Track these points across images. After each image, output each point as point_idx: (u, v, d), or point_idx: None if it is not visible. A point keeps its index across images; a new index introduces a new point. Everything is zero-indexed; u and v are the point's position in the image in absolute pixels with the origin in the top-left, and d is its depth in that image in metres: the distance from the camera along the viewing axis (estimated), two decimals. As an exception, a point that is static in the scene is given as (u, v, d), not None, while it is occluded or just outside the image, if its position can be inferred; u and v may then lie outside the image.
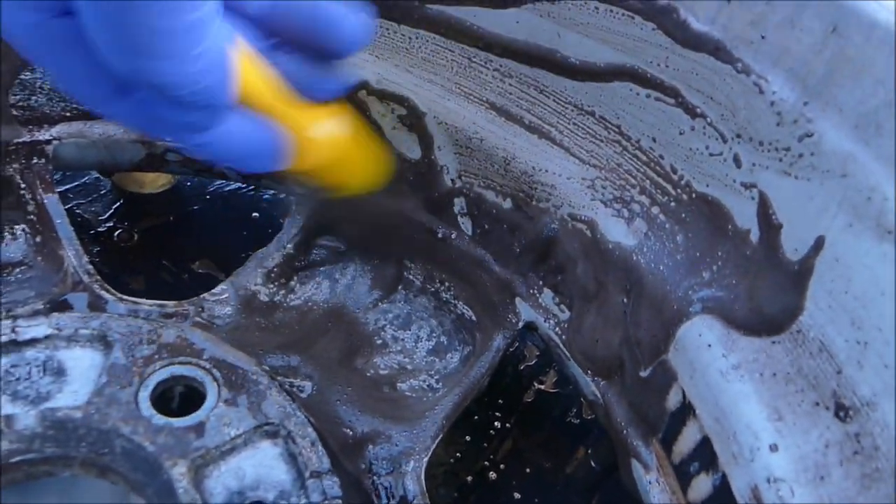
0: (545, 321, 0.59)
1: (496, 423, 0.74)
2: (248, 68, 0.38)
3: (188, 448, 0.44)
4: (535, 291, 0.60)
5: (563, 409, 0.76)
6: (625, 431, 0.53)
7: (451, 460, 0.70)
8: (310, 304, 0.66)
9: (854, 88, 0.38)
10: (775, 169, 0.42)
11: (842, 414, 0.37)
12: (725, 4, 0.43)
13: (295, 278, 0.66)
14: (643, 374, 0.49)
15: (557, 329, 0.59)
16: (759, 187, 0.43)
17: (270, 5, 0.39)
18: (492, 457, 0.71)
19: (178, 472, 0.43)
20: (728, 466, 0.42)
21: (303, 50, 0.42)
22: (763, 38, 0.42)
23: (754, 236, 0.44)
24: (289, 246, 0.66)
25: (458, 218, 0.63)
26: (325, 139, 0.46)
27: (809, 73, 0.40)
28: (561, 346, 0.58)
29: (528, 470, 0.70)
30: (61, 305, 0.57)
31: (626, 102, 0.51)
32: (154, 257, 0.80)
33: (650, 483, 0.49)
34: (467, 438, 0.72)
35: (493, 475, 0.70)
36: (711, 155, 0.47)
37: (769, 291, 0.42)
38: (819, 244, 0.39)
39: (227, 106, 0.37)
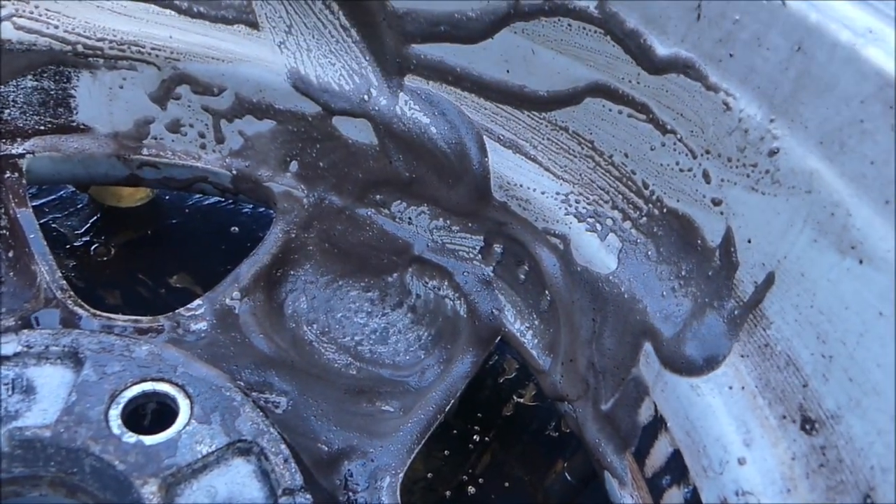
0: (520, 336, 0.59)
1: (475, 437, 0.74)
2: None
3: (159, 466, 0.44)
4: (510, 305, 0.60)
5: (541, 422, 0.76)
6: (600, 446, 0.53)
7: (430, 475, 0.70)
8: (286, 316, 0.65)
9: (819, 106, 0.39)
10: (743, 185, 0.43)
11: (808, 427, 0.38)
12: (694, 23, 0.44)
13: (272, 293, 0.66)
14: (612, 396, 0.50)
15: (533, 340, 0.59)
16: (727, 203, 0.44)
17: None
18: (471, 471, 0.71)
19: (149, 491, 0.42)
20: (698, 479, 0.43)
21: None
22: (731, 56, 0.43)
23: (717, 256, 0.45)
24: (266, 260, 0.65)
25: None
26: None
27: (776, 90, 0.41)
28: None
29: (506, 484, 0.70)
30: (33, 322, 0.57)
31: (598, 118, 0.51)
32: (131, 272, 0.79)
33: (624, 497, 0.49)
34: (446, 452, 0.72)
35: (471, 489, 0.69)
36: (682, 171, 0.47)
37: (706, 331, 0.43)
38: (770, 280, 0.40)
39: None
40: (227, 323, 0.62)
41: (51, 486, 0.45)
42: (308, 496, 0.44)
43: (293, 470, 0.46)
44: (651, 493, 0.47)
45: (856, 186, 0.37)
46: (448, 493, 0.69)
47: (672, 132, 0.47)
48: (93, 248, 0.81)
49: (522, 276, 0.58)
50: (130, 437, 0.45)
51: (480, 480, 0.70)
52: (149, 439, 0.45)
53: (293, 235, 0.67)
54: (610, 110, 0.51)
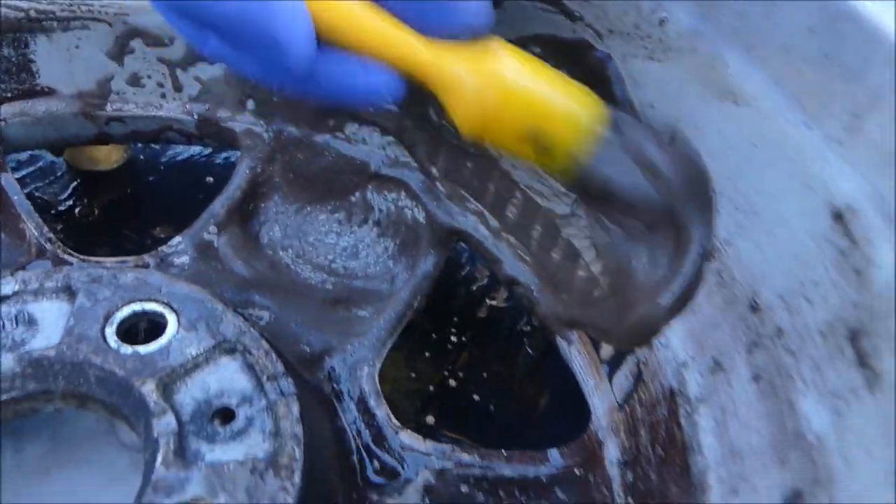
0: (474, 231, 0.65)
1: (453, 339, 0.80)
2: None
3: (155, 369, 0.49)
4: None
5: (512, 320, 0.82)
6: (553, 325, 0.58)
7: (413, 374, 0.76)
8: (262, 245, 0.71)
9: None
10: (642, 56, 0.48)
11: (707, 257, 0.43)
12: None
13: (246, 225, 0.71)
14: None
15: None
16: (632, 75, 0.49)
17: None
18: (451, 367, 0.77)
19: (148, 389, 0.48)
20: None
21: None
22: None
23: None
24: (236, 195, 0.70)
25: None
26: (485, 81, 0.36)
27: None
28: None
29: (484, 374, 0.76)
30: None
31: (518, 14, 0.56)
32: (115, 228, 0.84)
33: (573, 354, 0.55)
34: (427, 354, 0.78)
35: (452, 383, 0.76)
36: (592, 53, 0.52)
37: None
38: (673, 138, 0.45)
39: (295, 44, 0.34)
40: (208, 255, 0.67)
41: (63, 399, 0.50)
42: (290, 380, 0.50)
43: (274, 360, 0.51)
44: (592, 345, 0.53)
45: (728, 39, 0.42)
46: (432, 388, 0.75)
47: (580, 19, 0.52)
48: (77, 210, 0.86)
49: (468, 174, 0.63)
50: (127, 349, 0.50)
51: (460, 374, 0.76)
52: (143, 349, 0.50)
53: (259, 170, 0.71)
54: (525, 8, 0.55)
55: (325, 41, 0.36)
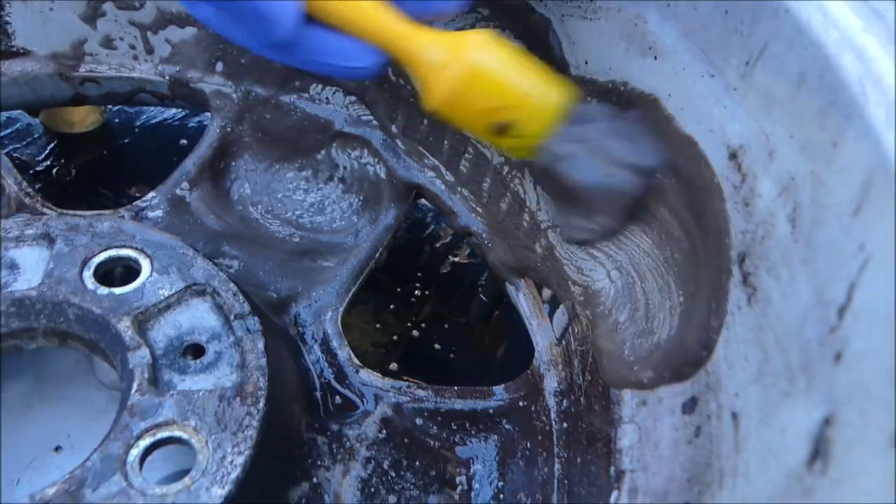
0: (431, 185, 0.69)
1: (417, 293, 0.84)
2: None
3: (130, 308, 0.53)
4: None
5: (474, 276, 0.86)
6: (497, 264, 0.63)
7: (379, 325, 0.80)
8: (233, 201, 0.74)
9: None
10: (577, 16, 0.52)
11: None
12: None
13: (217, 182, 0.75)
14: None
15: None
16: (568, 34, 0.53)
17: None
18: (414, 318, 0.81)
19: (124, 326, 0.52)
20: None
21: None
22: None
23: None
24: (207, 154, 0.74)
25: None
26: (456, 61, 0.38)
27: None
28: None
29: (445, 325, 0.81)
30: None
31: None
32: (93, 188, 0.88)
33: (520, 298, 0.60)
34: (392, 307, 0.82)
35: (415, 332, 0.80)
36: (535, 14, 0.56)
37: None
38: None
39: (281, 18, 0.37)
40: (180, 209, 0.71)
41: (45, 336, 0.54)
42: (256, 319, 0.54)
43: (241, 301, 0.55)
44: (537, 289, 0.58)
45: (649, -2, 0.46)
46: (395, 337, 0.79)
47: (524, -17, 0.55)
48: (54, 171, 0.89)
49: (425, 131, 0.67)
50: (103, 290, 0.54)
51: (423, 325, 0.81)
52: (118, 290, 0.54)
53: (229, 130, 0.75)
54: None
55: (311, 14, 0.38)
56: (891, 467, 0.27)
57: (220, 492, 0.44)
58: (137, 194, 0.88)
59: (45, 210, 0.68)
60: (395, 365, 0.77)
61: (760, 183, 0.37)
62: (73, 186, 0.88)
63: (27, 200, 0.68)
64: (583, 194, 0.44)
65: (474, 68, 0.39)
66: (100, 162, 0.91)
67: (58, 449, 0.57)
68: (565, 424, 0.52)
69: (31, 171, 0.88)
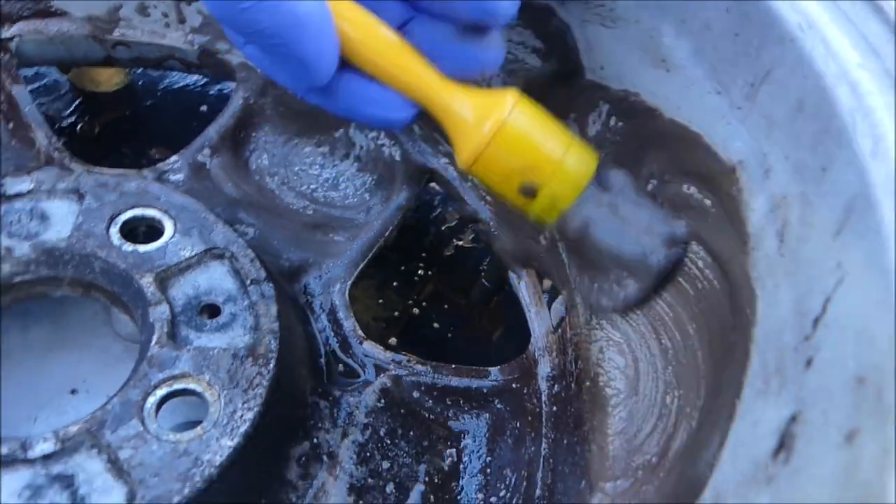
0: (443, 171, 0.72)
1: (420, 272, 0.87)
2: (357, 25, 0.38)
3: (153, 265, 0.56)
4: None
5: (476, 259, 0.89)
6: (504, 252, 0.66)
7: (381, 300, 0.83)
8: (251, 170, 0.77)
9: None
10: (596, 22, 0.54)
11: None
12: None
13: (237, 151, 0.78)
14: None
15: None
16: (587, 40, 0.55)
17: None
18: (415, 297, 0.85)
19: (147, 282, 0.55)
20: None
21: (445, 17, 0.39)
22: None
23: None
24: (230, 123, 0.76)
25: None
26: (488, 122, 0.39)
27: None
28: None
29: (445, 306, 0.84)
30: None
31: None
32: (115, 147, 0.90)
33: (521, 285, 0.63)
34: (395, 284, 0.85)
35: (416, 311, 0.83)
36: (556, 17, 0.58)
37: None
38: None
39: (319, 65, 0.38)
40: (201, 175, 0.74)
41: (70, 286, 0.57)
42: (271, 284, 0.57)
43: (258, 267, 0.58)
44: (538, 278, 0.61)
45: (666, 13, 0.48)
46: (396, 313, 0.83)
47: (548, -12, 0.58)
48: (78, 127, 0.91)
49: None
50: (128, 247, 0.57)
51: (423, 304, 0.84)
52: (143, 248, 0.57)
53: (252, 102, 0.78)
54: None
55: (349, 60, 0.39)
56: (844, 461, 0.30)
57: (229, 443, 0.47)
58: (158, 156, 0.91)
59: (72, 165, 0.70)
60: (395, 340, 0.80)
61: (755, 199, 0.40)
62: (96, 144, 0.90)
63: (56, 155, 0.71)
64: (613, 261, 0.45)
65: (509, 129, 0.39)
66: (123, 122, 0.94)
67: (74, 392, 0.61)
68: (555, 408, 0.55)
69: (56, 126, 0.90)
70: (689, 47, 0.46)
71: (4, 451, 0.44)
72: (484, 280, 0.74)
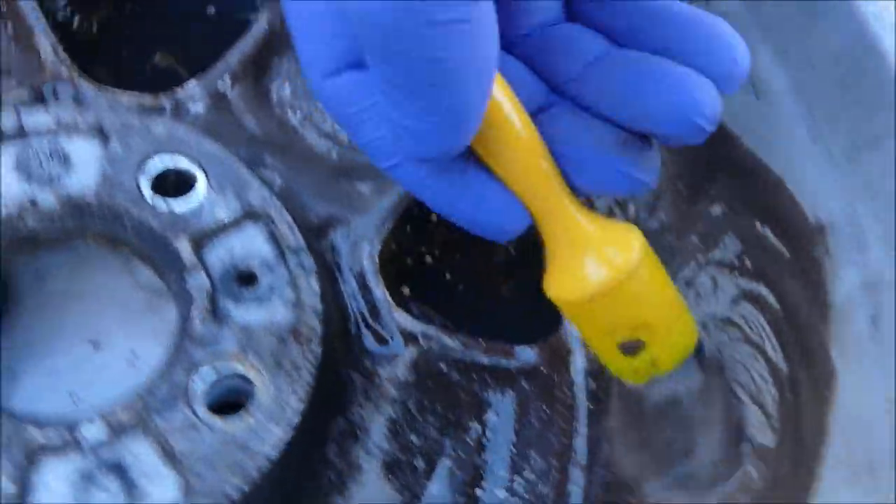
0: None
1: (433, 218, 0.85)
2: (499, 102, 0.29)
3: (188, 227, 0.53)
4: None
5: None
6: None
7: (394, 246, 0.82)
8: (272, 102, 0.72)
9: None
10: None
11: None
12: None
13: (258, 80, 0.72)
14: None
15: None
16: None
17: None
18: (429, 245, 0.83)
19: (184, 245, 0.52)
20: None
21: (602, 115, 0.30)
22: None
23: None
24: (252, 49, 0.71)
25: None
26: (613, 270, 0.32)
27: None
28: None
29: (458, 256, 0.83)
30: (46, 92, 0.62)
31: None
32: (115, 49, 0.83)
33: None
34: (408, 229, 0.83)
35: (429, 259, 0.82)
36: None
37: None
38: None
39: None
40: (221, 106, 0.69)
41: (93, 238, 0.54)
42: (311, 257, 0.55)
43: (296, 233, 0.56)
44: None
45: (765, 34, 0.45)
46: (409, 261, 0.81)
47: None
48: (74, 23, 0.83)
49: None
50: (162, 205, 0.54)
51: (437, 252, 0.83)
52: (178, 207, 0.54)
53: (278, 25, 0.72)
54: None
55: (474, 149, 0.31)
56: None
57: (282, 435, 0.46)
58: (162, 64, 0.84)
59: (82, 84, 0.64)
60: (407, 290, 0.79)
61: (845, 270, 0.38)
62: (95, 45, 0.83)
63: (64, 71, 0.64)
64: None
65: (637, 281, 0.33)
66: (121, 19, 0.86)
67: (93, 343, 0.58)
68: (589, 404, 0.56)
69: (52, 21, 0.82)
70: (786, 79, 0.43)
71: (53, 437, 0.43)
72: (512, 249, 0.72)
